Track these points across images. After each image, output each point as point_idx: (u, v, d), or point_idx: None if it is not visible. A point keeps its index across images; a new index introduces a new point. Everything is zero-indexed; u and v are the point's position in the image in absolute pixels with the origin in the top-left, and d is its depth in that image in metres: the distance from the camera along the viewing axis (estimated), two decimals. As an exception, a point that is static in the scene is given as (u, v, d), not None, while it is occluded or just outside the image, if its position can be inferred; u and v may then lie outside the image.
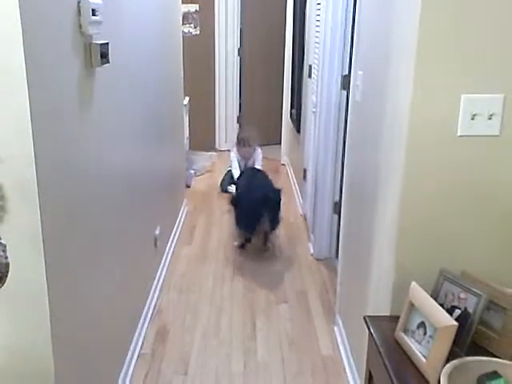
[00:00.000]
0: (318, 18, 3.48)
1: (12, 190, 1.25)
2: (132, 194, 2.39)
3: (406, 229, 1.52)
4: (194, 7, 5.82)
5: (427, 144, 1.44)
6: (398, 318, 1.42)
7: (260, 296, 3.07)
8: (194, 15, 5.61)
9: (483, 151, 1.44)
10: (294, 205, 4.62)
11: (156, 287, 2.99)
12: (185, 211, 4.31)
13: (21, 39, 1.17)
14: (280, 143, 5.99)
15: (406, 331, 1.37)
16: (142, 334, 2.58)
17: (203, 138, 6.13)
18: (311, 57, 3.90)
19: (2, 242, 1.06)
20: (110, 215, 1.98)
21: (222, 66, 6.18)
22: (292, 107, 5.24)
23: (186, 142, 4.99)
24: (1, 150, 1.22)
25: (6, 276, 1.06)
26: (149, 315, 2.75)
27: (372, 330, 1.47)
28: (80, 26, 1.55)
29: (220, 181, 4.95)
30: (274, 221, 3.47)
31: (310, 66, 3.94)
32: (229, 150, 6.25)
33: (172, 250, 3.58)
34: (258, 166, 4.68)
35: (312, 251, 3.62)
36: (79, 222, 1.61)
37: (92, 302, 1.77)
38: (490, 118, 1.41)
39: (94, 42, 1.66)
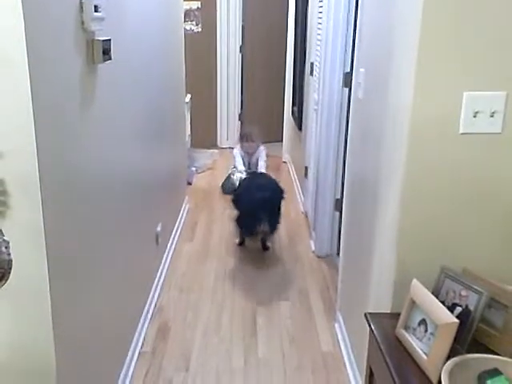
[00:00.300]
0: (320, 15, 3.48)
1: (14, 185, 1.25)
2: (133, 191, 2.39)
3: (407, 226, 1.52)
4: (195, 4, 5.82)
5: (429, 141, 1.44)
6: (398, 315, 1.42)
7: (261, 293, 3.07)
8: (196, 12, 5.61)
9: (485, 149, 1.44)
10: (295, 202, 4.62)
11: (157, 284, 3.00)
12: (186, 208, 4.32)
13: (23, 35, 1.17)
14: (281, 141, 5.98)
15: (406, 328, 1.38)
16: (143, 332, 2.59)
17: (205, 135, 6.13)
18: (313, 54, 3.90)
19: (5, 238, 1.06)
20: (112, 212, 1.98)
21: (224, 64, 6.17)
22: (294, 105, 5.23)
23: (188, 139, 5.00)
24: (2, 145, 1.23)
25: (9, 273, 1.06)
26: (150, 312, 2.76)
27: (373, 327, 1.47)
28: (82, 23, 1.55)
29: (221, 183, 4.90)
30: (274, 223, 3.44)
31: (312, 64, 3.94)
32: (230, 148, 6.26)
33: (173, 246, 3.58)
34: (262, 163, 4.64)
35: (313, 248, 3.62)
36: (81, 219, 1.61)
37: (93, 299, 1.78)
38: (492, 116, 1.41)
39: (97, 38, 1.66)
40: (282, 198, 3.56)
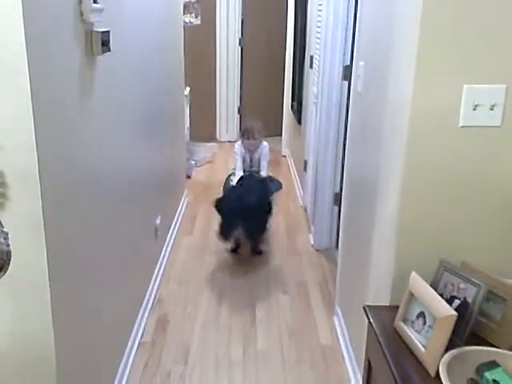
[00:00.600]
0: (319, 7, 3.46)
1: (13, 177, 1.25)
2: (133, 183, 2.39)
3: (406, 219, 1.52)
4: (195, -3, 5.78)
5: (429, 135, 1.44)
6: (397, 307, 1.42)
7: (260, 286, 3.08)
8: (195, 5, 5.57)
9: (484, 142, 1.44)
10: (295, 196, 4.62)
11: (156, 276, 3.00)
12: (185, 202, 4.32)
13: (22, 26, 1.16)
14: (281, 134, 5.98)
15: (405, 321, 1.38)
16: (143, 323, 2.60)
17: (204, 128, 6.12)
18: (313, 47, 3.88)
19: (4, 229, 1.06)
20: (111, 204, 1.98)
21: (223, 57, 6.15)
22: (293, 98, 5.22)
23: (187, 132, 4.98)
24: (2, 138, 1.22)
25: (9, 264, 1.06)
26: (149, 304, 2.76)
27: (371, 320, 1.47)
28: (81, 14, 1.54)
29: (222, 185, 4.80)
30: (253, 232, 3.28)
31: (312, 57, 3.93)
32: (230, 141, 6.26)
33: (172, 240, 3.58)
34: (264, 163, 4.38)
35: (312, 242, 3.63)
36: (80, 210, 1.61)
37: (93, 290, 1.78)
38: (491, 109, 1.41)
39: (95, 29, 1.65)
40: (265, 209, 3.35)
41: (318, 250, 3.55)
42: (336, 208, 3.41)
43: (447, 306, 1.25)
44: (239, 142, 4.56)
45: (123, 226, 2.19)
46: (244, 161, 4.51)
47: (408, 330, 1.35)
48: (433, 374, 1.22)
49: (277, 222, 4.02)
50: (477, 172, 1.47)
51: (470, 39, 1.37)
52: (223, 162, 5.13)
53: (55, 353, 1.40)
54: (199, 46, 5.87)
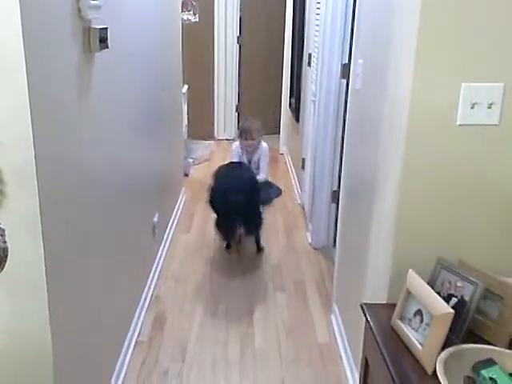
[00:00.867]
0: (318, 5, 3.46)
1: (10, 174, 1.25)
2: (130, 181, 2.39)
3: (404, 217, 1.52)
4: (193, -6, 5.77)
5: (427, 133, 1.44)
6: (394, 305, 1.42)
7: (257, 284, 3.08)
8: (194, 2, 5.55)
9: (482, 140, 1.44)
10: (292, 194, 4.62)
11: (154, 274, 3.00)
12: (183, 199, 4.31)
13: (19, 23, 1.16)
14: (279, 132, 5.97)
15: (402, 319, 1.38)
16: (140, 321, 2.60)
17: (202, 126, 6.11)
18: (311, 45, 3.88)
19: (1, 226, 1.06)
20: (109, 201, 1.98)
21: (222, 54, 6.14)
22: (291, 96, 5.22)
23: (185, 130, 4.97)
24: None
25: (5, 261, 1.06)
26: (146, 302, 2.76)
27: (369, 318, 1.47)
28: (79, 10, 1.53)
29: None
30: (251, 223, 3.30)
31: (310, 55, 3.92)
32: (228, 139, 6.26)
33: (170, 237, 3.58)
34: (263, 164, 4.22)
35: (310, 240, 3.63)
36: (78, 208, 1.61)
37: (90, 288, 1.78)
38: (489, 107, 1.41)
39: (93, 26, 1.65)
40: (257, 196, 3.34)
41: (315, 248, 3.55)
42: (334, 206, 3.41)
43: (444, 303, 1.25)
44: (237, 143, 4.39)
45: (121, 224, 2.19)
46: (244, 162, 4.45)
47: (405, 328, 1.35)
48: (430, 372, 1.22)
49: (274, 220, 4.03)
50: (475, 170, 1.47)
51: (469, 38, 1.37)
52: (221, 160, 5.10)
53: (52, 351, 1.40)
54: (197, 44, 5.86)
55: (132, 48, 2.36)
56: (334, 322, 2.63)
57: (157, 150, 3.15)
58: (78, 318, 1.65)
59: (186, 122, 5.07)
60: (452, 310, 1.22)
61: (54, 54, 1.38)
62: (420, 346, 1.27)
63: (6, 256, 1.05)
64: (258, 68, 6.34)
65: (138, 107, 2.54)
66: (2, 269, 1.05)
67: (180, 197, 4.23)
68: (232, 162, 3.94)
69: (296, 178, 4.77)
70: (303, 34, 4.40)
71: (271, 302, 2.89)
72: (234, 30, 6.08)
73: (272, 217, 4.08)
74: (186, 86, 5.02)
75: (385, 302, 1.60)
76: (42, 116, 1.28)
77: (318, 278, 3.16)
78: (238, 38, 6.16)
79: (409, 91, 1.42)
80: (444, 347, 1.22)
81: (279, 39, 5.64)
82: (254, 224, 3.36)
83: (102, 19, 1.71)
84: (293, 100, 5.03)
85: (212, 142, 6.11)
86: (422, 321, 1.30)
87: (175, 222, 3.84)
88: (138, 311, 2.58)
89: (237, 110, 6.43)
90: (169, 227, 3.60)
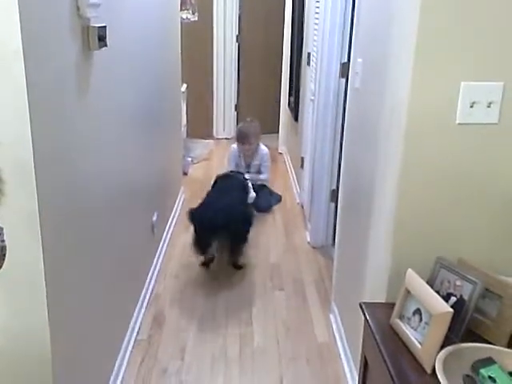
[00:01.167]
0: (317, 4, 3.46)
1: (9, 172, 1.23)
2: (129, 180, 2.38)
3: (403, 216, 1.52)
4: (192, -7, 5.76)
5: (426, 132, 1.44)
6: (393, 304, 1.42)
7: (256, 283, 3.08)
8: (192, 1, 5.54)
9: (482, 139, 1.44)
10: (291, 193, 4.62)
11: (153, 273, 3.00)
12: (182, 199, 4.31)
13: (18, 21, 1.15)
14: (278, 132, 5.97)
15: (401, 318, 1.38)
16: (139, 320, 2.59)
17: (201, 125, 6.10)
18: (310, 44, 3.88)
19: (0, 225, 1.06)
20: (108, 200, 1.98)
21: (220, 53, 6.13)
22: (290, 95, 5.21)
23: (184, 129, 4.97)
24: (-2, 133, 1.22)
25: (3, 259, 1.05)
26: (145, 301, 2.76)
27: (368, 317, 1.47)
28: (78, 9, 1.53)
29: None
30: (232, 245, 3.12)
31: (309, 54, 3.92)
32: (226, 138, 6.26)
33: (169, 236, 3.58)
34: (264, 169, 4.24)
35: (308, 239, 3.63)
36: (77, 206, 1.60)
37: (89, 287, 1.78)
38: (488, 106, 1.41)
39: (92, 24, 1.64)
40: (244, 225, 3.17)
41: (314, 247, 3.55)
42: (333, 205, 3.41)
43: (443, 302, 1.25)
44: (235, 146, 4.28)
45: (120, 223, 2.19)
46: (238, 165, 4.26)
47: (404, 327, 1.35)
48: (429, 371, 1.22)
49: (273, 219, 4.03)
50: (474, 169, 1.47)
51: (468, 37, 1.37)
52: (220, 159, 5.12)
53: (51, 350, 1.40)
54: (196, 43, 5.85)
55: (131, 46, 2.35)
56: (333, 321, 2.63)
57: (156, 148, 3.15)
58: (77, 316, 1.65)
59: (184, 120, 5.07)
60: (451, 309, 1.22)
61: (52, 53, 1.38)
62: (419, 345, 1.27)
63: (5, 255, 1.05)
64: (257, 67, 6.33)
65: (137, 106, 2.54)
66: (1, 267, 1.05)
67: (179, 196, 4.23)
68: (230, 176, 3.77)
69: (295, 177, 4.77)
70: (302, 33, 4.39)
71: (270, 301, 2.89)
72: (232, 29, 6.07)
73: (271, 216, 4.08)
74: (184, 85, 5.02)
75: (384, 301, 1.60)
76: (40, 114, 1.28)
77: (316, 277, 3.16)
78: (237, 36, 6.15)
79: (408, 90, 1.42)
80: (443, 346, 1.22)
81: (278, 38, 5.63)
82: (234, 245, 3.14)
83: (101, 18, 1.71)
84: (292, 99, 5.03)
85: (211, 140, 6.10)
86: (421, 320, 1.30)
87: (174, 220, 3.84)
88: (137, 310, 2.58)
89: (236, 109, 6.42)
90: (168, 226, 3.60)
